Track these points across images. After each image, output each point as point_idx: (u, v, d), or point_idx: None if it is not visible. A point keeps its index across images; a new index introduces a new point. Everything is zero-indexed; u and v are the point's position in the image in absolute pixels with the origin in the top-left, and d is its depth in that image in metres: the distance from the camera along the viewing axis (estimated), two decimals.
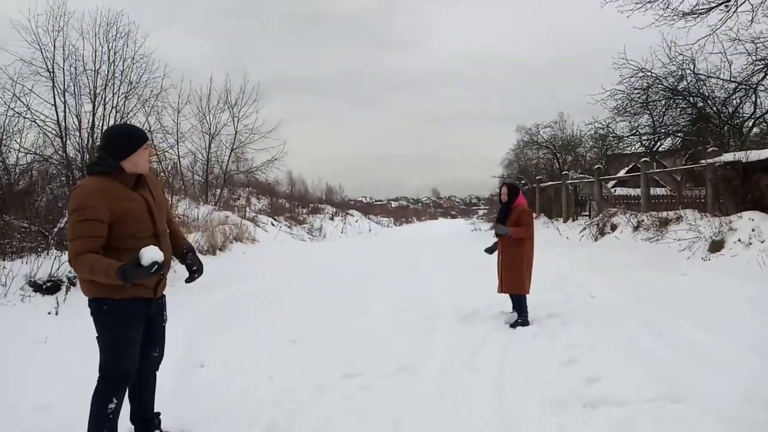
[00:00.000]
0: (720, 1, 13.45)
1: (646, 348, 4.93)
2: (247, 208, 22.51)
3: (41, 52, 12.10)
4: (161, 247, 2.98)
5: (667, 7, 13.68)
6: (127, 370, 3.06)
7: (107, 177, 2.95)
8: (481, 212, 50.82)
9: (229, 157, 22.33)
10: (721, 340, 4.91)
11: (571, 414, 3.65)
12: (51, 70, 12.22)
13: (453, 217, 77.74)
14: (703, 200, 12.53)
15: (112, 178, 2.95)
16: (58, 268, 6.93)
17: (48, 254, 7.43)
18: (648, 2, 13.57)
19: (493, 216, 30.93)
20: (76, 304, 5.19)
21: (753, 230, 8.95)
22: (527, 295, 6.23)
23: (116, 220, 2.90)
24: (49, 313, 6.20)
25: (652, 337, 5.25)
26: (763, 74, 14.68)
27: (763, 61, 14.27)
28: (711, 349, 4.73)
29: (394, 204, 79.81)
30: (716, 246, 9.52)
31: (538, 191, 22.76)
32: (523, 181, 26.66)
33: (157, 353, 3.36)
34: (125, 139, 3.02)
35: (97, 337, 3.05)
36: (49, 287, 6.77)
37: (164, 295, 3.29)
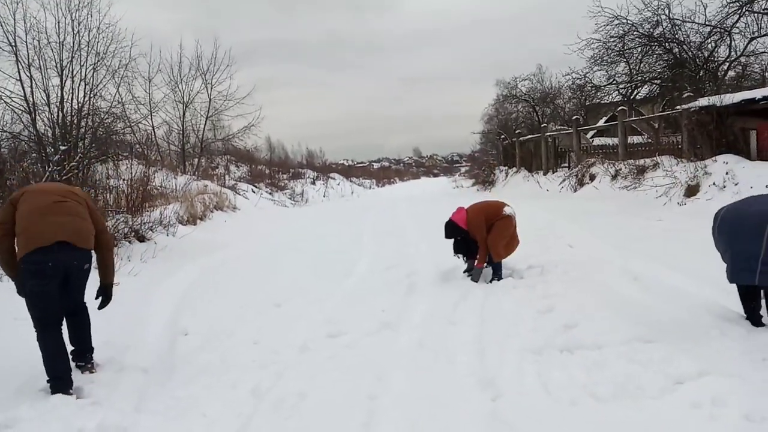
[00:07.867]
0: None
1: (621, 293, 5.05)
2: (227, 176, 22.27)
3: (1, 26, 11.69)
4: None
5: None
6: None
7: None
8: (463, 170, 50.82)
9: (205, 125, 21.98)
10: (692, 281, 5.04)
11: (548, 360, 3.75)
12: (13, 44, 11.81)
13: (435, 175, 77.62)
14: (680, 146, 12.63)
15: None
16: None
17: None
18: None
19: (475, 173, 30.87)
20: None
21: (727, 173, 9.10)
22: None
23: None
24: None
25: (628, 282, 5.38)
26: (738, 16, 14.71)
27: (737, 3, 14.25)
28: (683, 290, 4.86)
29: (376, 165, 79.55)
30: (692, 191, 9.68)
31: (518, 145, 22.74)
32: (503, 136, 26.64)
33: None
34: None
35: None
36: None
37: None
